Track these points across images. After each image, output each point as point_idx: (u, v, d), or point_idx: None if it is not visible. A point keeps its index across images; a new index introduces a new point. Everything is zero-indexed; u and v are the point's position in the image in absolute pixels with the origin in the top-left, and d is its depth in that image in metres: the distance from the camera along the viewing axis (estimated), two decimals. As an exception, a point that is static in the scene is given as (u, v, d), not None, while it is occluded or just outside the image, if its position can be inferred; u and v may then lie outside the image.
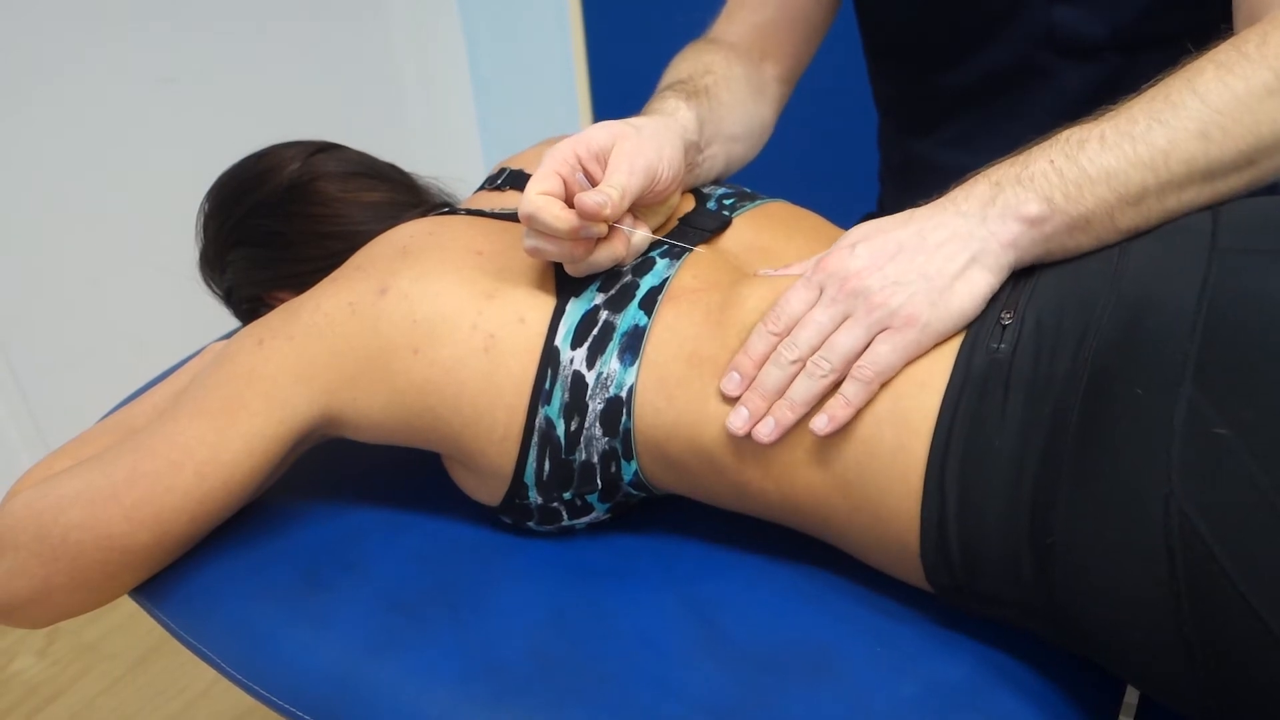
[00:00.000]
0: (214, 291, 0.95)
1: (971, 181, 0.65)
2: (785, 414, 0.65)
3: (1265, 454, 0.51)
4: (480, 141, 2.21)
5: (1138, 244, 0.63)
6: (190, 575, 0.73)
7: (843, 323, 0.64)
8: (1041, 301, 0.62)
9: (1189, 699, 0.54)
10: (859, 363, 0.63)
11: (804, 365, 0.64)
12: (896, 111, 1.08)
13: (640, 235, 0.72)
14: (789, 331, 0.65)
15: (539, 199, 0.66)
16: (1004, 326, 0.62)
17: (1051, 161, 0.62)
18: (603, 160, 0.69)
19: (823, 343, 0.64)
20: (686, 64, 0.89)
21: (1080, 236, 0.63)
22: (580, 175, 0.69)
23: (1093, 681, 0.63)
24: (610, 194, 0.66)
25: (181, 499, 0.69)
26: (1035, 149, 0.64)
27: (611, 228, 0.69)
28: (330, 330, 0.71)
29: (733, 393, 0.66)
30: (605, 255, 0.69)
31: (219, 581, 0.73)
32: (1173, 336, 0.56)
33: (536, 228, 0.66)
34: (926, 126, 1.03)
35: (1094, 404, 0.57)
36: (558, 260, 0.69)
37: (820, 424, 0.63)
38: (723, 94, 0.85)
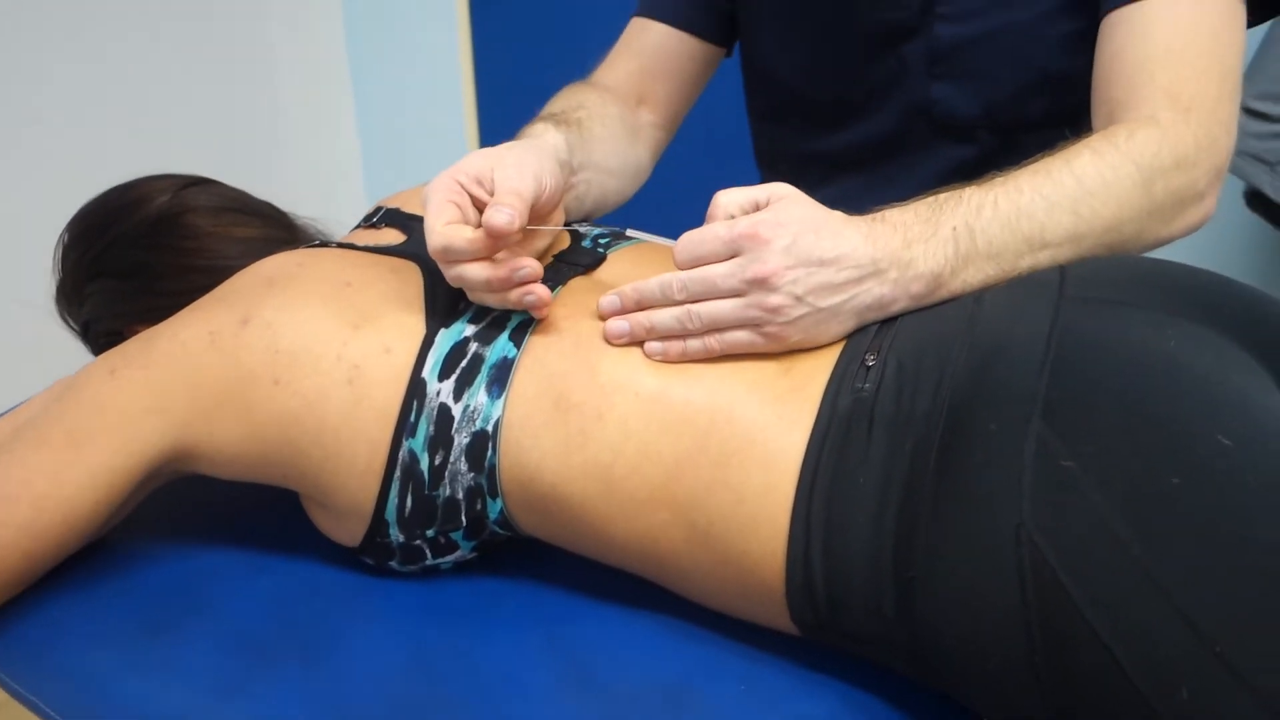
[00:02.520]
0: (70, 326, 0.91)
1: (893, 226, 0.67)
2: (638, 329, 0.68)
3: (1107, 485, 0.53)
4: (364, 187, 2.19)
5: (991, 293, 0.67)
6: (22, 619, 0.68)
7: (732, 295, 0.66)
8: (902, 345, 0.65)
9: (1039, 729, 0.55)
10: (716, 335, 0.66)
11: (678, 305, 0.67)
12: (779, 169, 1.11)
13: (550, 229, 0.73)
14: (691, 265, 0.67)
15: (446, 230, 0.65)
16: (868, 368, 0.64)
17: (954, 229, 0.67)
18: (484, 183, 0.68)
19: (706, 300, 0.66)
20: (561, 101, 0.91)
21: (954, 295, 0.68)
22: (467, 199, 0.68)
23: (950, 718, 0.64)
24: (513, 202, 0.65)
25: (15, 534, 0.65)
26: (945, 208, 0.68)
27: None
28: (188, 360, 0.68)
29: (605, 311, 0.69)
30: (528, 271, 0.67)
31: (53, 625, 0.68)
32: (1023, 376, 0.58)
33: (453, 258, 0.65)
34: (808, 186, 1.05)
35: (951, 439, 0.58)
36: (487, 294, 0.67)
37: (654, 349, 0.67)
38: (595, 127, 0.86)
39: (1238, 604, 0.50)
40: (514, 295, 0.67)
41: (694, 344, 0.67)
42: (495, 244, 0.65)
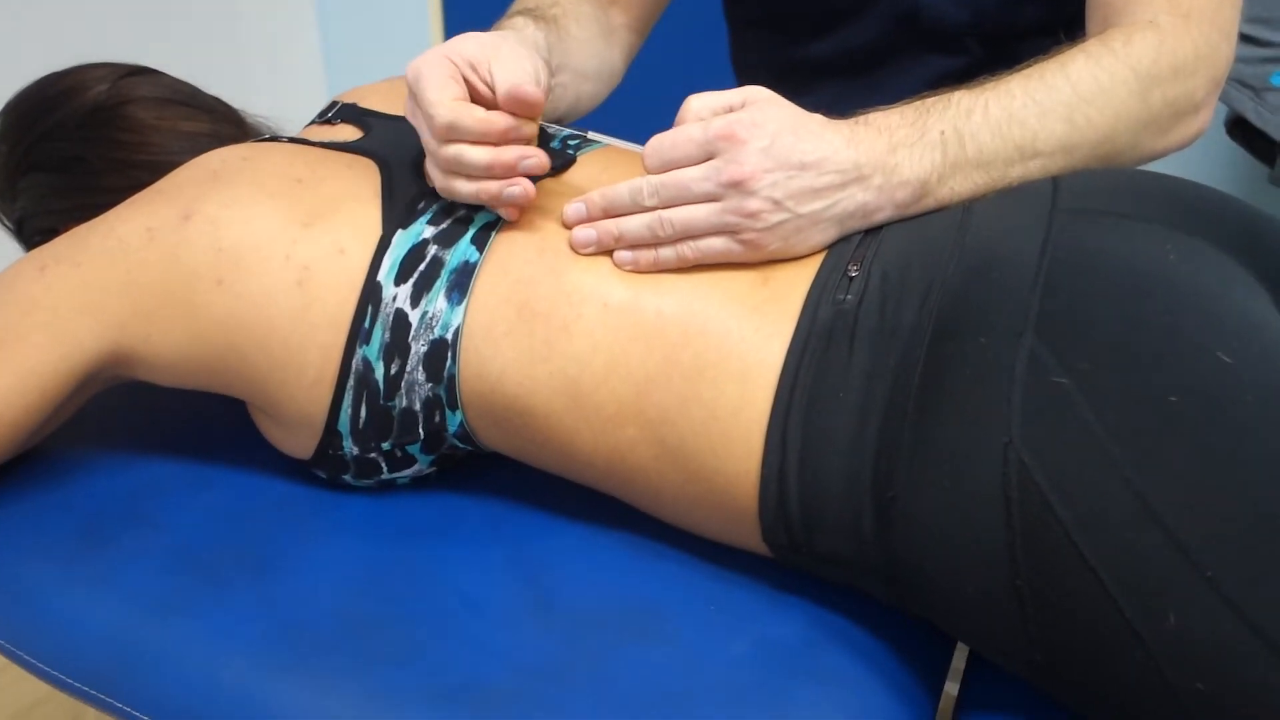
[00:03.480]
0: (4, 224, 0.86)
1: (877, 129, 0.64)
2: (606, 237, 0.64)
3: (1101, 403, 0.51)
4: (327, 93, 2.11)
5: (981, 204, 0.64)
6: (-52, 529, 0.65)
7: (707, 200, 0.62)
8: (887, 256, 0.62)
9: (1017, 653, 0.54)
10: (690, 242, 0.63)
11: (648, 211, 0.63)
12: (757, 79, 1.06)
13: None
14: (662, 169, 0.63)
15: (455, 105, 0.60)
16: (850, 279, 0.61)
17: (942, 134, 0.63)
18: (479, 71, 0.63)
19: (679, 205, 0.63)
20: None
21: (941, 205, 0.65)
22: (465, 82, 0.63)
23: (924, 641, 0.63)
24: (535, 76, 0.61)
25: (-63, 440, 0.61)
26: (933, 112, 0.64)
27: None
28: (124, 257, 0.64)
29: (570, 220, 0.65)
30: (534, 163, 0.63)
31: (-18, 536, 0.65)
32: (1016, 288, 0.56)
33: (458, 137, 0.60)
34: (787, 95, 1.02)
35: (938, 352, 0.56)
36: (488, 190, 0.62)
37: (624, 258, 0.64)
38: (571, 27, 0.82)
39: (1231, 528, 0.48)
40: (496, 186, 0.62)
41: (666, 252, 0.63)
42: (506, 131, 0.61)
